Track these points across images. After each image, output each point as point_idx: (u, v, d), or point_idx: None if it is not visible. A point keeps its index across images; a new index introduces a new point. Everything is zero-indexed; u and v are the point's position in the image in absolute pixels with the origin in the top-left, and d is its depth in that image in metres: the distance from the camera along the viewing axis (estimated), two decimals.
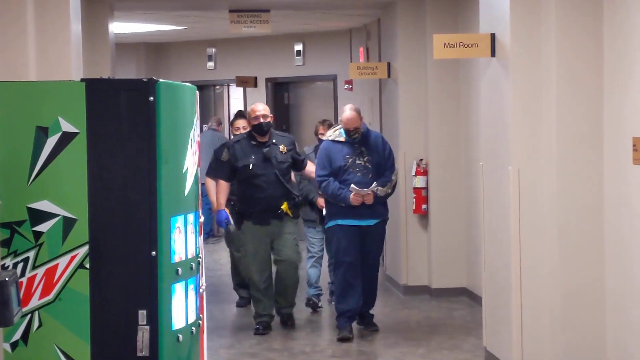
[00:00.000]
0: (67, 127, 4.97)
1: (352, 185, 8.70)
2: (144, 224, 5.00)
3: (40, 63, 6.71)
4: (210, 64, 16.85)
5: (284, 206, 8.97)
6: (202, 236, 5.67)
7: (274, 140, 9.07)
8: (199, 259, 5.45)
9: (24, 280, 4.98)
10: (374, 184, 8.74)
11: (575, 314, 6.96)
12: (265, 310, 9.16)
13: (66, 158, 4.98)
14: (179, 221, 5.17)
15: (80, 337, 4.99)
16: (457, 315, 9.83)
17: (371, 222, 8.84)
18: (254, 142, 9.05)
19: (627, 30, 6.46)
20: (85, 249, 4.99)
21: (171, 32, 15.34)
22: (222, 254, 13.30)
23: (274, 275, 9.25)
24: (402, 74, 10.99)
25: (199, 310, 5.48)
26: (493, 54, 7.42)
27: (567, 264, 6.96)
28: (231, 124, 10.70)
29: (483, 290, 7.91)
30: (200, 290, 5.56)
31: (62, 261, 4.99)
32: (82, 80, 5.10)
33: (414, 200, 10.81)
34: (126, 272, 5.01)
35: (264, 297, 9.12)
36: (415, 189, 10.79)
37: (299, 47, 15.77)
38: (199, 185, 5.61)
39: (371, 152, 8.87)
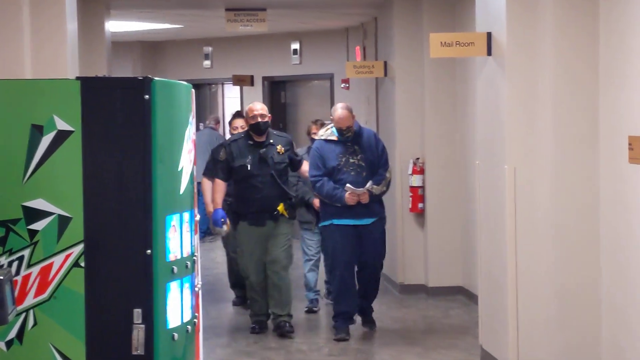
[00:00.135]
0: (62, 125, 4.95)
1: (348, 185, 8.68)
2: (139, 223, 4.98)
3: (36, 61, 6.72)
4: (207, 63, 16.83)
5: (280, 207, 8.92)
6: (198, 235, 5.66)
7: (271, 140, 9.02)
8: (194, 258, 5.43)
9: (18, 278, 4.96)
10: (369, 182, 8.71)
11: (571, 313, 6.95)
12: (262, 310, 9.14)
13: (61, 156, 4.96)
14: (175, 220, 5.15)
15: (75, 335, 4.98)
16: (454, 314, 9.83)
17: (367, 221, 8.82)
18: (251, 142, 9.00)
19: (622, 29, 6.45)
20: (80, 248, 4.97)
21: (167, 30, 15.33)
22: (219, 253, 13.28)
23: None
24: (398, 73, 10.98)
25: (195, 308, 5.47)
26: (489, 52, 7.42)
27: (563, 263, 6.95)
28: (229, 123, 10.69)
29: (479, 289, 7.91)
30: (196, 289, 5.55)
31: (57, 260, 4.98)
32: (77, 78, 5.08)
33: (411, 198, 10.81)
34: (121, 271, 4.99)
35: (260, 298, 9.11)
36: (411, 187, 10.79)
37: (295, 45, 15.76)
38: (195, 184, 5.60)
39: (364, 150, 8.84)
